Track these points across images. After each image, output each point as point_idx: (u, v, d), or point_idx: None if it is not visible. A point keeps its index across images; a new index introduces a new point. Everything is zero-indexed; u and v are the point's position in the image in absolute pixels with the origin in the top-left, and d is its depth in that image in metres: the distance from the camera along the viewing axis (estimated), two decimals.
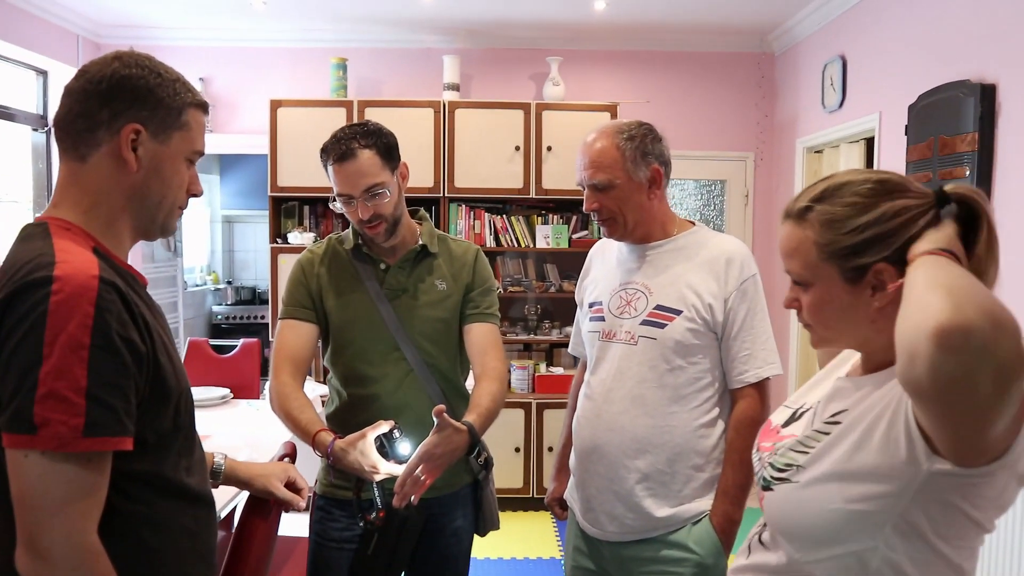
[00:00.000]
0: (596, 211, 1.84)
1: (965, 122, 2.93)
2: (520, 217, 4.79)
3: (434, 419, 1.66)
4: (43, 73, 4.71)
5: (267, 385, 1.94)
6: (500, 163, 4.62)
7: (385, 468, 1.70)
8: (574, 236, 4.79)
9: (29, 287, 1.03)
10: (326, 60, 4.80)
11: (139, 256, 4.85)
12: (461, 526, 1.99)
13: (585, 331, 1.98)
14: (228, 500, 2.19)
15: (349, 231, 2.00)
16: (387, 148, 1.87)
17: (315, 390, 3.94)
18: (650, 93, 5.04)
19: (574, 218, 4.81)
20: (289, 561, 2.51)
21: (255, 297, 6.60)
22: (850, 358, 1.23)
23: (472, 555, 2.06)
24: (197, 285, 6.29)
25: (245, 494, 1.75)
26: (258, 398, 3.83)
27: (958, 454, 0.92)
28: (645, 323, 1.80)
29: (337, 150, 1.84)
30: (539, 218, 4.81)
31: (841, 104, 4.13)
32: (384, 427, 1.75)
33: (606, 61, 5.07)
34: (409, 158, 1.98)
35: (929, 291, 0.88)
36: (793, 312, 1.16)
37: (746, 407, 1.78)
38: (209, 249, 6.64)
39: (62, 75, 4.73)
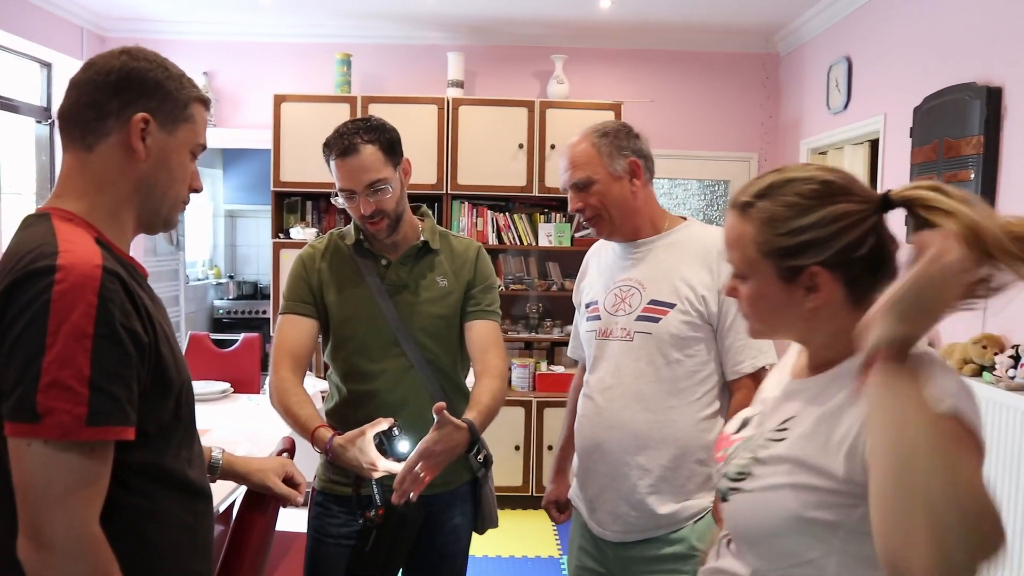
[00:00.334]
0: (580, 211, 1.87)
1: (971, 125, 2.92)
2: (523, 215, 4.78)
3: (434, 416, 1.65)
4: (47, 65, 4.71)
5: (267, 380, 1.94)
6: (503, 161, 4.62)
7: (384, 465, 1.70)
8: (577, 235, 4.77)
9: (32, 276, 1.03)
10: (330, 55, 4.79)
11: (141, 249, 4.85)
12: (460, 524, 1.99)
13: (582, 331, 1.98)
14: (226, 495, 2.19)
15: (351, 226, 1.99)
16: (390, 144, 1.87)
17: (315, 386, 3.93)
18: (654, 92, 5.03)
19: (577, 216, 4.80)
20: (287, 556, 2.51)
21: (257, 292, 6.60)
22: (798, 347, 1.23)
23: (471, 553, 2.06)
24: (199, 279, 6.29)
25: (243, 488, 1.75)
26: (258, 393, 3.83)
27: None
28: (640, 318, 1.80)
29: (340, 145, 1.83)
30: (542, 216, 4.80)
31: (846, 105, 4.12)
32: (384, 424, 1.75)
33: (611, 60, 5.06)
34: (412, 155, 1.98)
35: (906, 511, 0.82)
36: None
37: (742, 398, 1.77)
38: (211, 243, 6.63)
39: (66, 68, 4.73)
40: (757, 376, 1.77)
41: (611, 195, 1.83)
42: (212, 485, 1.34)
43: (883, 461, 0.87)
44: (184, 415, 1.22)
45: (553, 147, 4.60)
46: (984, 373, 2.71)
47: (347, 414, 1.90)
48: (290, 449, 1.96)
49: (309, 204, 4.87)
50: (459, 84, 4.78)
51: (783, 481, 1.03)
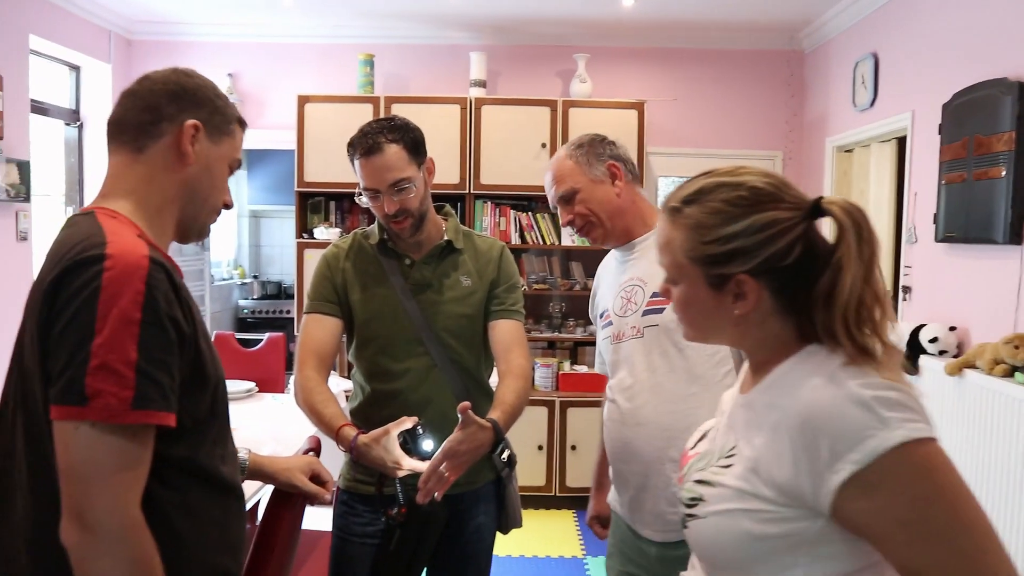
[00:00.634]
0: (571, 223, 1.92)
1: (1002, 121, 2.87)
2: (546, 214, 4.77)
3: (459, 416, 1.65)
4: (76, 69, 4.78)
5: (292, 379, 1.95)
6: (526, 160, 4.61)
7: (408, 464, 1.70)
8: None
9: (82, 264, 1.06)
10: (353, 56, 4.82)
11: (167, 250, 4.88)
12: (483, 523, 1.99)
13: (600, 341, 2.00)
14: (253, 493, 2.20)
15: (375, 226, 2.00)
16: (414, 143, 1.87)
17: (339, 385, 3.96)
18: (677, 91, 5.01)
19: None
20: (312, 555, 2.52)
21: (281, 292, 6.64)
22: None
23: (494, 553, 2.06)
24: (224, 279, 6.34)
25: (270, 487, 1.76)
26: (283, 392, 3.86)
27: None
28: (646, 313, 1.81)
29: (364, 144, 1.84)
30: None
31: (872, 103, 4.07)
32: (408, 423, 1.75)
33: (633, 58, 5.04)
34: (435, 155, 1.98)
35: None
36: None
37: None
38: (236, 244, 6.69)
39: (94, 71, 4.79)
40: None
41: (595, 199, 1.88)
42: None
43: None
44: (219, 411, 1.24)
45: None
46: (1016, 373, 2.66)
47: (371, 413, 1.90)
48: (316, 448, 1.97)
49: (333, 204, 4.89)
50: (482, 84, 4.78)
51: (734, 507, 1.02)
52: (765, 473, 0.99)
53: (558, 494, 4.57)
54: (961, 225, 3.15)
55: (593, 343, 2.20)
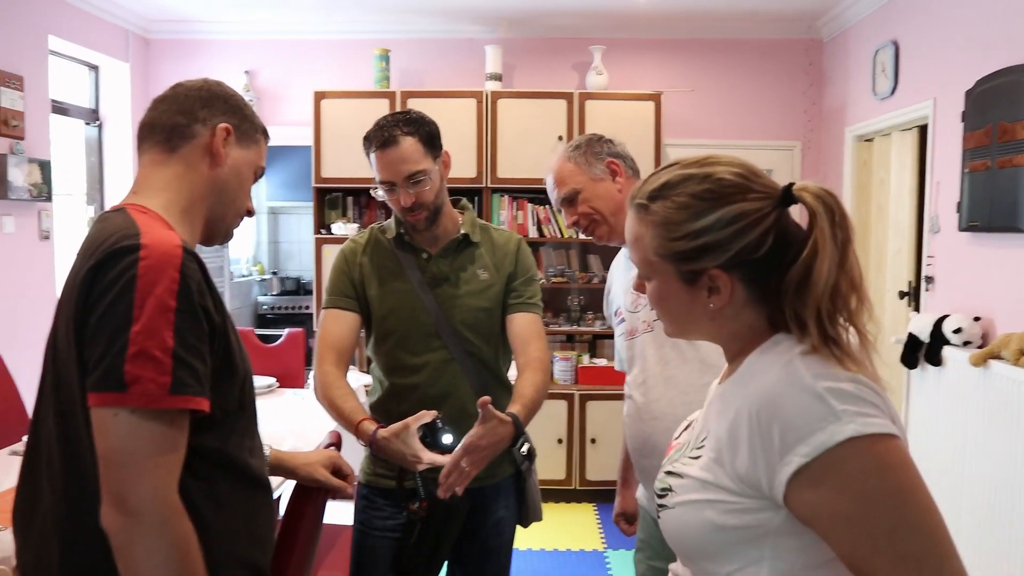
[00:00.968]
0: (576, 224, 1.93)
1: None
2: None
3: (479, 410, 1.65)
4: (95, 68, 4.82)
5: (311, 374, 1.96)
6: (543, 153, 4.59)
7: (428, 458, 1.70)
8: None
9: (118, 254, 1.09)
10: (369, 51, 4.82)
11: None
12: (504, 517, 1.99)
13: (615, 338, 2.00)
14: (275, 488, 2.21)
15: (391, 220, 2.00)
16: (429, 136, 1.87)
17: (359, 379, 3.97)
18: (695, 81, 4.97)
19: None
20: (334, 549, 2.53)
21: (299, 287, 6.68)
22: None
23: (515, 546, 2.06)
24: (243, 276, 6.38)
25: (291, 482, 1.76)
26: (303, 387, 3.87)
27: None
28: None
29: (379, 137, 1.84)
30: None
31: (893, 91, 4.02)
32: (427, 417, 1.75)
33: (650, 49, 5.01)
34: (452, 148, 1.98)
35: None
36: None
37: None
38: (255, 240, 6.73)
39: (113, 70, 4.83)
40: None
41: (597, 197, 1.89)
42: None
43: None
44: (247, 404, 1.26)
45: None
46: None
47: (390, 407, 1.91)
48: (337, 443, 1.97)
49: (350, 200, 4.91)
50: (497, 77, 4.77)
51: (698, 497, 1.01)
52: (728, 463, 0.98)
53: (578, 487, 4.57)
54: (985, 214, 3.11)
55: (611, 336, 2.20)
